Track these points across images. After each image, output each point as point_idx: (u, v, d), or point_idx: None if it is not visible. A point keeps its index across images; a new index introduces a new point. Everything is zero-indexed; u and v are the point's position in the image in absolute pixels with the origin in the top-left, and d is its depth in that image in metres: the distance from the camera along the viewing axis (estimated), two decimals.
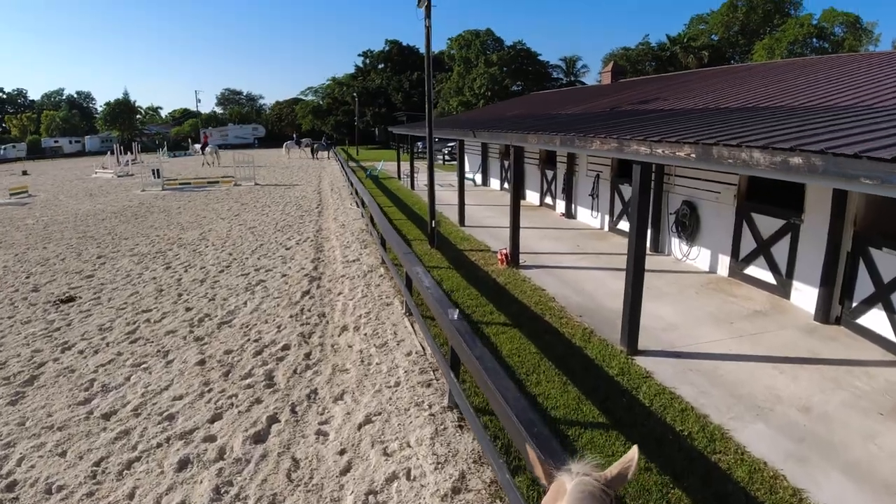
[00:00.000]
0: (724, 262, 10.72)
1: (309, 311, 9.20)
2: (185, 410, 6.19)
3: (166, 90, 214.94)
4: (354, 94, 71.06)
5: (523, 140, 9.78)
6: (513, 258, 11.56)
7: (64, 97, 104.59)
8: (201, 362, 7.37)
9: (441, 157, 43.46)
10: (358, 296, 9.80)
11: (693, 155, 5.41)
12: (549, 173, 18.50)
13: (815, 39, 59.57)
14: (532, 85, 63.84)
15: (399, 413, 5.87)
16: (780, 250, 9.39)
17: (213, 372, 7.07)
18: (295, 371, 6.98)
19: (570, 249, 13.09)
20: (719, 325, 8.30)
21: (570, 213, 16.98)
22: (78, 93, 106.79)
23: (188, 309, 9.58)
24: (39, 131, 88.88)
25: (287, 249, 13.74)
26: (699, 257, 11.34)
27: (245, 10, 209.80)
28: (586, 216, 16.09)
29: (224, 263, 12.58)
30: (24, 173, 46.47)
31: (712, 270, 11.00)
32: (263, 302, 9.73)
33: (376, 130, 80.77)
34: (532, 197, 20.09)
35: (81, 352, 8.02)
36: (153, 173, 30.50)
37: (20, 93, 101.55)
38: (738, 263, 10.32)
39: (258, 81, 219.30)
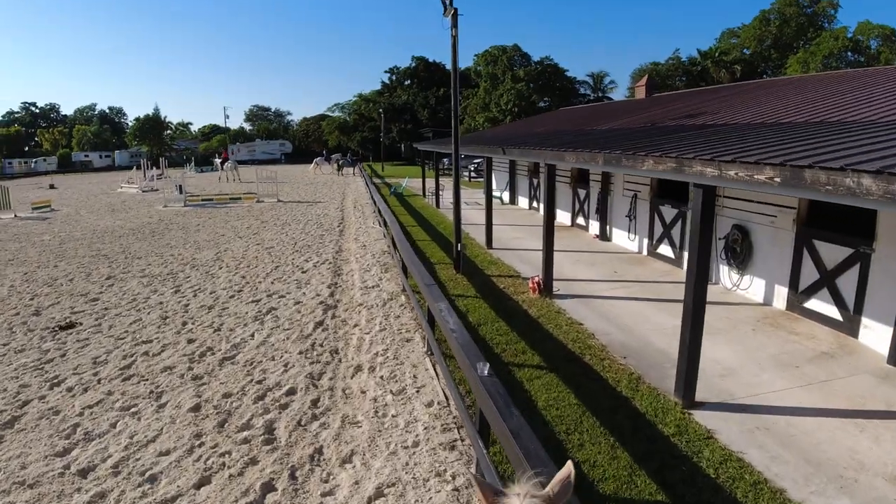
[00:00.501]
0: (781, 293, 9.63)
1: (321, 345, 8.33)
2: (170, 471, 5.33)
3: (197, 107, 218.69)
4: (380, 111, 70.84)
5: (559, 158, 8.86)
6: (546, 287, 10.60)
7: (96, 112, 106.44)
8: (196, 408, 6.53)
9: (467, 174, 42.71)
10: (375, 328, 8.91)
11: (777, 179, 4.44)
12: (582, 192, 17.51)
13: (850, 53, 57.85)
14: (559, 101, 62.89)
15: (416, 485, 4.92)
16: (847, 282, 8.31)
17: (208, 421, 6.21)
18: (299, 423, 6.09)
19: (606, 276, 12.09)
20: (784, 371, 7.24)
21: (604, 235, 15.96)
22: (110, 108, 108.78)
23: (190, 341, 8.78)
24: (71, 145, 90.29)
25: (303, 273, 12.94)
26: (752, 287, 10.27)
27: (274, 28, 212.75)
28: (622, 238, 15.07)
29: (236, 288, 11.81)
30: (52, 187, 46.77)
31: (767, 302, 9.92)
32: (272, 334, 8.89)
33: (402, 146, 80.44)
34: (563, 217, 19.10)
35: (70, 389, 7.25)
36: (178, 189, 30.17)
37: (53, 107, 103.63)
38: (798, 296, 9.23)
39: (286, 98, 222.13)
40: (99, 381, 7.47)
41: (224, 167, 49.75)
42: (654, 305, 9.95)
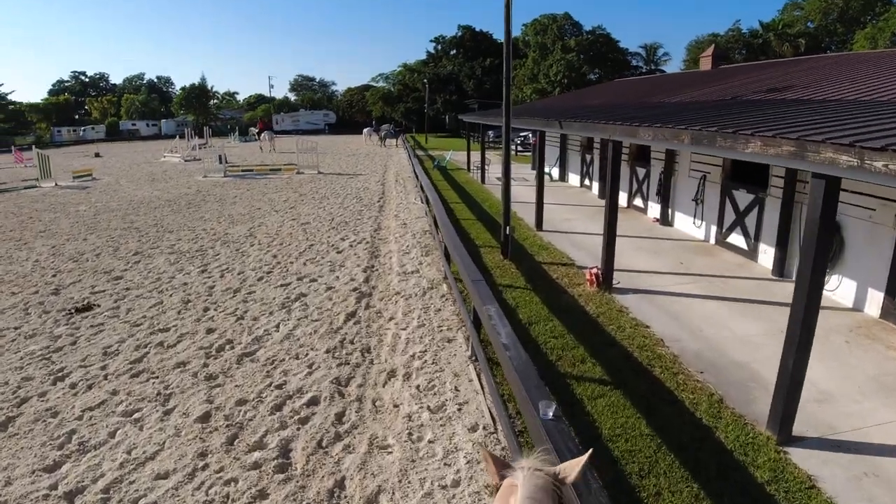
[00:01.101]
0: (876, 298, 8.26)
1: (351, 342, 7.39)
2: (165, 500, 4.48)
3: (243, 77, 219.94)
4: (425, 81, 69.36)
5: (630, 134, 7.63)
6: (605, 279, 9.44)
7: (144, 81, 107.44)
8: (205, 417, 5.67)
9: (513, 147, 41.29)
10: (413, 323, 7.92)
11: None
12: (641, 171, 16.13)
13: None
14: (611, 73, 60.45)
15: None
16: None
17: (216, 436, 5.33)
18: (319, 444, 5.16)
19: (671, 268, 10.84)
20: (887, 397, 5.99)
21: (665, 219, 14.60)
22: (158, 77, 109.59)
23: (210, 331, 7.96)
24: (120, 114, 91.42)
25: (338, 253, 12.03)
26: (840, 289, 8.90)
27: None
28: (686, 224, 13.71)
29: (265, 268, 10.98)
30: (97, 155, 47.10)
31: (857, 307, 8.56)
32: (299, 325, 7.99)
33: (446, 118, 78.90)
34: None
35: (73, 386, 6.51)
36: (219, 159, 29.70)
37: (102, 76, 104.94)
38: None
39: (331, 68, 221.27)
40: (106, 377, 6.72)
41: (261, 137, 49.04)
42: (728, 306, 8.71)
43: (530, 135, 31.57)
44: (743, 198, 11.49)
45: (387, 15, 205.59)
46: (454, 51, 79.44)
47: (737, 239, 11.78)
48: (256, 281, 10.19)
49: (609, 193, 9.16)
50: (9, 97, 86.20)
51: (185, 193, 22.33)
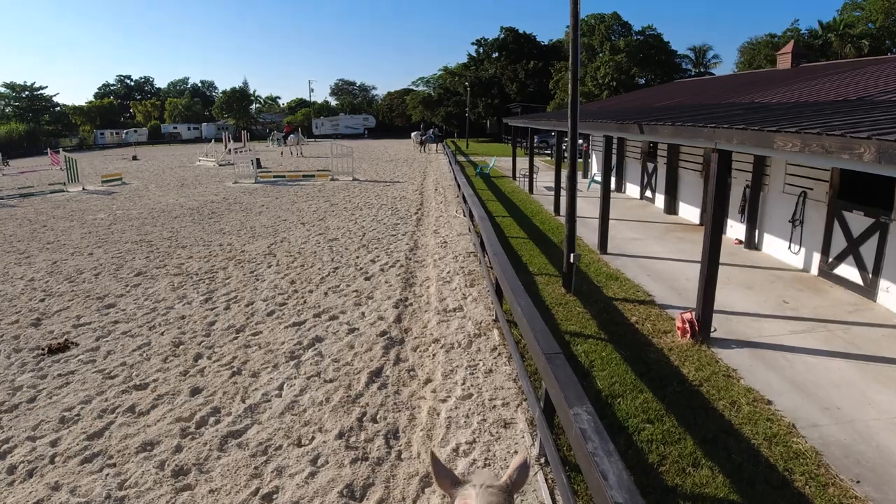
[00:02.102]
0: None
1: (373, 421, 5.49)
2: None
3: (286, 81, 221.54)
4: (466, 84, 67.45)
5: (761, 143, 5.56)
6: (702, 327, 7.38)
7: (188, 86, 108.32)
8: None
9: (549, 151, 39.10)
10: (456, 392, 5.97)
11: None
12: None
13: None
14: (661, 76, 57.63)
15: None
16: None
17: None
18: None
19: (774, 307, 8.70)
20: None
21: (751, 242, 12.37)
22: (202, 82, 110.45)
23: (195, 391, 6.18)
24: (163, 117, 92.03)
25: (367, 279, 10.19)
26: None
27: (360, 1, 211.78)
28: (779, 249, 11.50)
29: (279, 299, 9.20)
30: (134, 158, 46.67)
31: None
32: (307, 389, 6.13)
33: (487, 122, 76.87)
34: (687, 212, 15.56)
35: (12, 469, 5.02)
36: (254, 164, 28.41)
37: (147, 80, 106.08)
38: None
39: (371, 72, 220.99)
40: (53, 460, 5.10)
41: (287, 142, 47.35)
42: (858, 367, 6.57)
43: (581, 140, 29.36)
44: (858, 221, 9.29)
45: (427, 18, 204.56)
46: (496, 53, 77.36)
47: (847, 272, 9.57)
48: (266, 316, 8.40)
49: (712, 219, 7.08)
50: (54, 99, 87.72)
51: (211, 201, 20.87)
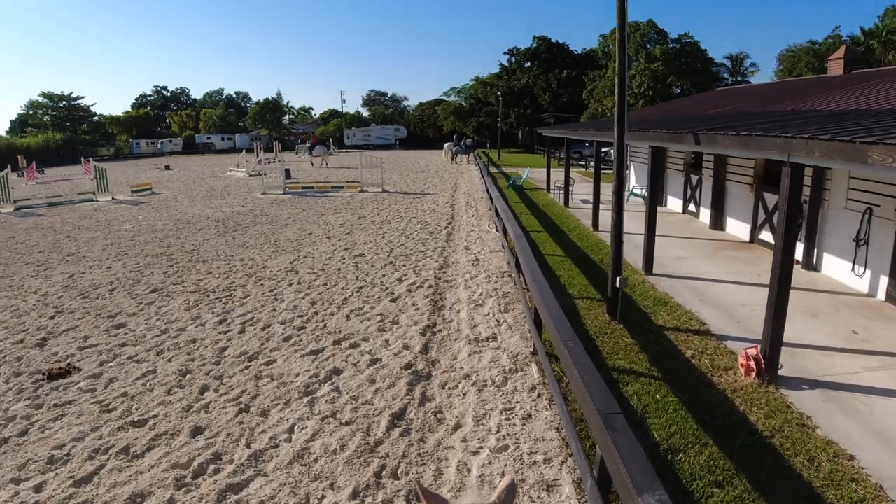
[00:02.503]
0: None
1: (394, 477, 4.71)
2: None
3: (319, 92, 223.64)
4: (498, 94, 66.74)
5: (857, 157, 4.68)
6: (769, 365, 6.48)
7: (223, 96, 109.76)
8: None
9: (583, 162, 38.04)
10: (490, 441, 5.15)
11: None
12: (771, 199, 12.91)
13: None
14: (699, 85, 56.13)
15: None
16: None
17: None
18: None
19: (844, 339, 7.76)
20: None
21: (809, 262, 11.36)
22: (236, 93, 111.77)
23: (197, 431, 5.50)
24: (198, 128, 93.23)
25: (393, 301, 9.47)
26: None
27: (394, 10, 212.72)
28: (840, 271, 10.48)
29: (298, 322, 8.52)
30: (167, 168, 46.98)
31: None
32: (321, 433, 5.39)
33: (519, 133, 76.05)
34: (736, 228, 14.54)
35: None
36: (284, 174, 28.12)
37: (183, 91, 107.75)
38: None
39: (403, 83, 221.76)
40: None
41: (312, 153, 46.55)
42: None
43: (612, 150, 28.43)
44: None
45: (459, 28, 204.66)
46: (528, 63, 76.58)
47: None
48: (282, 342, 7.71)
49: (783, 242, 6.19)
50: (91, 109, 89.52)
51: (238, 213, 20.44)
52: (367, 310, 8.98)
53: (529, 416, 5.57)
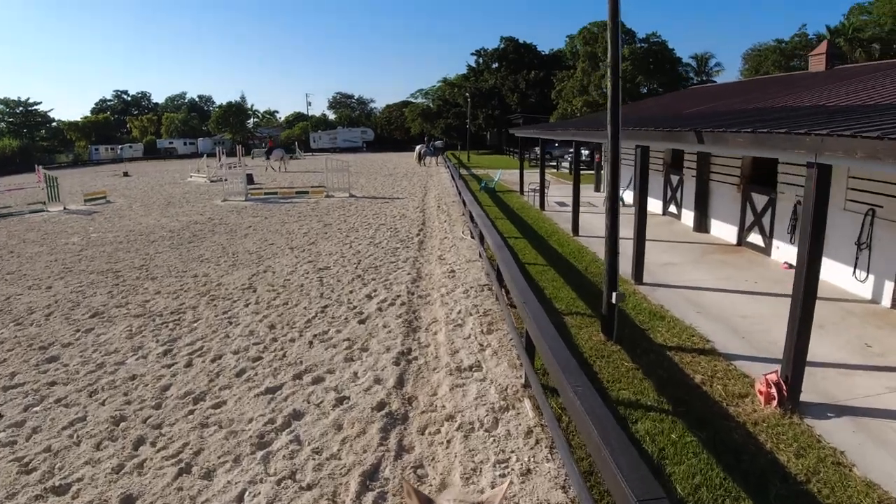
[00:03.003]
0: None
1: None
2: None
3: (284, 95, 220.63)
4: (467, 95, 65.99)
5: (875, 154, 3.92)
6: (791, 391, 5.70)
7: (186, 100, 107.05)
8: None
9: (555, 163, 37.36)
10: None
11: None
12: (760, 200, 12.28)
13: None
14: (664, 85, 56.04)
15: None
16: None
17: None
18: None
19: (857, 353, 7.12)
20: None
21: None
22: (199, 96, 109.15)
23: (125, 502, 4.49)
24: (160, 133, 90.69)
25: (361, 322, 8.49)
26: None
27: (359, 12, 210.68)
28: (840, 275, 9.84)
29: (253, 352, 7.49)
30: (125, 174, 45.13)
31: None
32: (276, 502, 4.43)
33: (488, 134, 75.44)
34: (722, 231, 13.88)
35: None
36: (247, 179, 26.90)
37: (144, 95, 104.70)
38: None
39: (370, 85, 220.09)
40: None
41: (269, 158, 44.89)
42: None
43: (603, 149, 27.84)
44: None
45: (426, 29, 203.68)
46: (496, 64, 76.03)
47: None
48: (234, 378, 6.69)
49: (808, 254, 5.42)
50: (49, 114, 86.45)
51: (195, 222, 19.21)
52: (333, 334, 7.99)
53: (528, 470, 4.66)
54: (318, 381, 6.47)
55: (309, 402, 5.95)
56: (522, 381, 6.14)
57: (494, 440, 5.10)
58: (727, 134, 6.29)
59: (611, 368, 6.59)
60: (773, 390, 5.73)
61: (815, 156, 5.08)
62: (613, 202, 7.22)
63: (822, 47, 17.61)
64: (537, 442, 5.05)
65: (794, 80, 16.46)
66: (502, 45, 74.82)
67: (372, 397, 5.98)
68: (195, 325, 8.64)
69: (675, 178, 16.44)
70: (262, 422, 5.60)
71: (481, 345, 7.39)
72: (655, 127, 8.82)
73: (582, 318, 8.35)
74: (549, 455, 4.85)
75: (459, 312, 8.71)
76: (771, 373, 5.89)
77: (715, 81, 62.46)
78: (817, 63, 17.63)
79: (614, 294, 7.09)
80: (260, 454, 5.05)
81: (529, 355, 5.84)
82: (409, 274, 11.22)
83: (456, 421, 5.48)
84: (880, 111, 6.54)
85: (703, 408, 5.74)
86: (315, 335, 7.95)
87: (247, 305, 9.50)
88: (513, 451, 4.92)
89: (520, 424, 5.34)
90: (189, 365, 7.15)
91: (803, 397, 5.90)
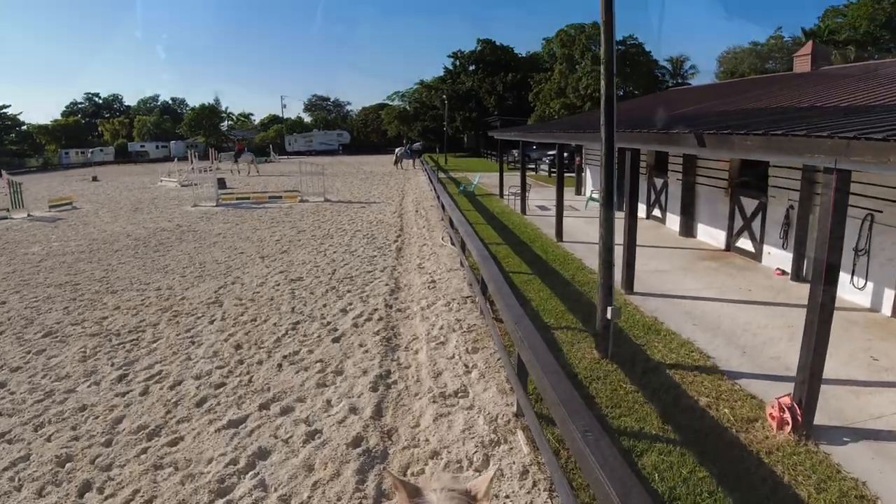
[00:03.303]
0: None
1: None
2: None
3: (260, 98, 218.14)
4: (444, 98, 65.46)
5: None
6: (805, 416, 5.23)
7: (159, 103, 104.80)
8: None
9: (533, 166, 36.94)
10: None
11: None
12: (750, 204, 11.90)
13: None
14: (641, 87, 56.03)
15: None
16: None
17: None
18: None
19: (865, 368, 6.78)
20: None
21: (799, 274, 10.35)
22: (173, 99, 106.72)
23: None
24: (132, 136, 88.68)
25: (336, 341, 7.86)
26: None
27: (334, 13, 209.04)
28: (839, 284, 9.44)
29: (216, 377, 6.81)
30: (94, 179, 43.85)
31: None
32: None
33: (465, 137, 74.99)
34: (709, 235, 13.49)
35: None
36: (219, 184, 26.09)
37: (116, 98, 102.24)
38: None
39: (346, 87, 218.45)
40: None
41: (238, 161, 43.45)
42: None
43: (582, 154, 27.39)
44: None
45: (402, 32, 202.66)
46: (473, 66, 75.63)
47: None
48: (193, 408, 6.03)
49: (825, 269, 4.94)
50: (18, 118, 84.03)
51: (163, 229, 18.38)
52: (304, 355, 7.35)
53: None
54: (286, 411, 5.84)
55: (276, 438, 5.32)
56: (514, 409, 5.57)
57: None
58: (731, 137, 5.79)
59: (608, 391, 6.06)
60: (787, 415, 5.26)
61: (835, 161, 4.60)
62: (608, 210, 6.69)
63: (808, 48, 17.37)
64: (535, 484, 4.49)
65: (783, 80, 16.14)
66: (479, 48, 74.46)
67: (347, 431, 5.37)
68: (154, 345, 7.94)
69: (658, 182, 16.05)
70: (223, 462, 4.97)
71: (466, 366, 6.81)
72: (648, 129, 8.32)
73: (573, 332, 7.82)
74: (549, 500, 4.29)
75: (442, 328, 8.13)
76: (783, 396, 5.41)
77: (690, 84, 62.77)
78: (802, 64, 17.36)
79: (609, 309, 6.57)
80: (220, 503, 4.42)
81: (521, 380, 5.29)
82: (386, 285, 10.62)
83: (442, 458, 4.90)
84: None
85: (711, 436, 5.23)
86: (285, 356, 7.30)
87: (212, 322, 8.82)
88: (507, 497, 4.35)
89: (514, 462, 4.77)
90: (145, 393, 6.47)
91: (817, 420, 5.45)
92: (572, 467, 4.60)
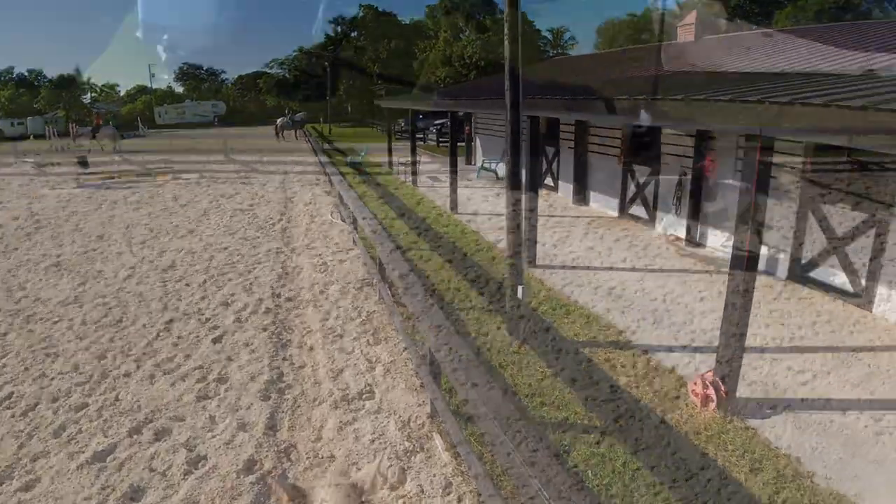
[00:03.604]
0: None
1: None
2: None
3: (125, 67, 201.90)
4: (326, 65, 63.17)
5: None
6: (729, 391, 5.07)
7: (14, 75, 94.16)
8: None
9: (421, 136, 36.29)
10: None
11: None
12: (643, 171, 11.97)
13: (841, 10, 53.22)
14: (525, 57, 56.52)
15: None
16: None
17: None
18: None
19: (771, 332, 6.75)
20: None
21: (693, 239, 10.50)
22: (29, 71, 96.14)
23: None
24: None
25: (217, 341, 6.94)
26: None
27: None
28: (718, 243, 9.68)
29: (76, 397, 5.72)
30: None
31: None
32: None
33: (349, 106, 73.07)
34: (602, 203, 13.51)
35: None
36: (80, 163, 23.65)
37: None
38: None
39: (221, 56, 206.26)
40: None
41: (97, 136, 39.29)
42: None
43: (474, 124, 26.97)
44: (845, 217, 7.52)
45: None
46: (355, 32, 73.49)
47: (833, 275, 7.84)
48: (51, 438, 4.97)
49: (748, 242, 4.71)
50: None
51: (14, 217, 16.17)
52: (181, 360, 6.41)
53: None
54: (162, 434, 4.96)
55: (152, 471, 4.46)
56: (428, 408, 5.02)
57: (405, 503, 3.95)
58: (651, 103, 5.44)
59: (525, 378, 5.65)
60: (711, 391, 5.06)
61: (759, 129, 4.32)
62: (515, 185, 6.22)
63: (692, 17, 17.60)
64: (460, 499, 3.97)
65: (679, 49, 16.28)
66: (361, 13, 72.40)
67: (236, 453, 4.59)
68: (3, 361, 6.69)
69: (550, 151, 15.92)
70: None
71: (370, 360, 6.17)
72: (553, 96, 7.91)
73: (479, 312, 7.37)
74: None
75: (338, 318, 7.41)
76: (707, 372, 5.22)
77: (569, 54, 64.24)
78: (686, 33, 17.62)
79: (520, 288, 6.14)
80: None
81: (433, 375, 4.74)
82: (273, 270, 9.71)
83: (350, 477, 4.26)
84: (817, 79, 6.00)
85: (638, 419, 4.95)
86: (157, 364, 6.32)
87: (70, 328, 7.58)
88: None
89: (434, 475, 4.21)
90: None
91: (745, 395, 5.36)
92: (499, 473, 4.13)
